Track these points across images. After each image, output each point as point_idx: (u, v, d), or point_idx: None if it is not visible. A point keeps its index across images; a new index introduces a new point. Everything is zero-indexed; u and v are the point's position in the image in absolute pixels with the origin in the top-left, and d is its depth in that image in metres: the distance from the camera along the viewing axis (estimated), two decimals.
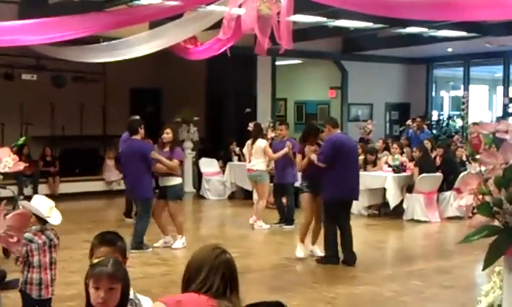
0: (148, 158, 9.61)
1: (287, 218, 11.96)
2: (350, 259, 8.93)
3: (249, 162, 12.14)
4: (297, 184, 11.03)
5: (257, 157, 11.96)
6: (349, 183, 8.95)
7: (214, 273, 2.94)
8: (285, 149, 11.39)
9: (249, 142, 12.32)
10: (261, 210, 11.91)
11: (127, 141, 10.25)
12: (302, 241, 9.47)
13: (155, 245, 9.92)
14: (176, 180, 9.87)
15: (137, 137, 9.89)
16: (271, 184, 12.31)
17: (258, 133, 12.35)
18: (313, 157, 9.00)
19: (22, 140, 5.01)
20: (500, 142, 2.66)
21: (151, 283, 7.76)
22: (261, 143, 12.05)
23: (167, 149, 9.84)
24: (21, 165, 3.72)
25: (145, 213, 9.82)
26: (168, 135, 9.87)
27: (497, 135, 2.66)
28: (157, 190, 10.16)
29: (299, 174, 9.99)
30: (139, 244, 9.62)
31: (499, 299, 3.18)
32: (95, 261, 3.44)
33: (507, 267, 2.75)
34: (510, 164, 2.58)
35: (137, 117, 11.17)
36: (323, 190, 8.99)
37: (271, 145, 12.37)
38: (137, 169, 9.68)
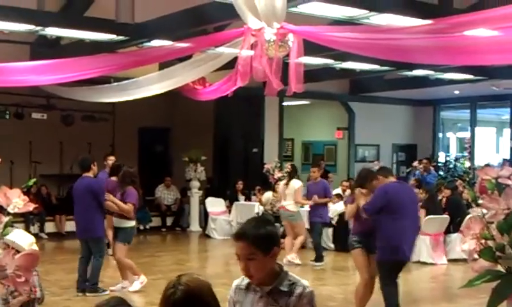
0: (99, 197, 9.34)
1: (316, 255, 12.21)
2: None
3: (284, 200, 12.30)
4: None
5: (291, 198, 12.14)
6: (400, 241, 7.30)
7: None
8: (311, 202, 12.01)
9: (284, 182, 12.56)
10: (298, 246, 12.19)
11: (79, 178, 9.68)
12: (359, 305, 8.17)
13: (112, 288, 9.44)
14: (128, 223, 9.55)
15: (90, 174, 9.51)
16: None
17: (294, 174, 12.47)
18: (362, 202, 7.65)
19: (32, 182, 5.00)
20: (503, 188, 2.69)
21: None
22: (295, 184, 12.22)
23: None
24: (31, 206, 3.75)
25: (98, 252, 9.43)
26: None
27: (499, 180, 2.70)
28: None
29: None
30: (94, 285, 9.31)
31: None
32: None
33: None
34: None
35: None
36: (376, 247, 7.58)
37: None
38: (88, 207, 9.32)
